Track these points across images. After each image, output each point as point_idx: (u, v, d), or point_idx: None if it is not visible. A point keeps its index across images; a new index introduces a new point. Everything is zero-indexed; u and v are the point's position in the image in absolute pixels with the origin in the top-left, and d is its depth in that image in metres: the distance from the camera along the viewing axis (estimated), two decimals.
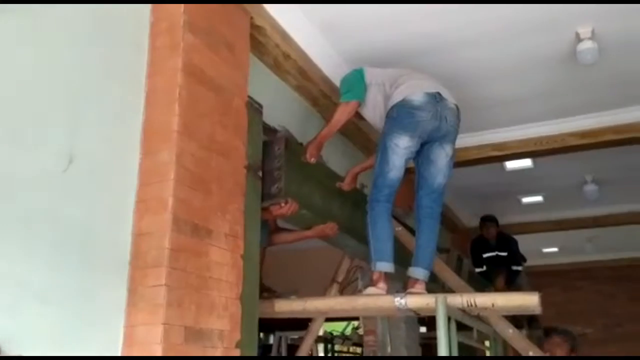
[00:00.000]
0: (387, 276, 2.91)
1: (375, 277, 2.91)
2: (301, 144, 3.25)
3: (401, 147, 2.90)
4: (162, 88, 2.18)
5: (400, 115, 2.92)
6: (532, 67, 3.73)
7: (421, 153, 3.03)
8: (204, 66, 2.31)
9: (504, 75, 3.83)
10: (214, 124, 2.33)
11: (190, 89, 2.22)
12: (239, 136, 2.51)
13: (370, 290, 2.87)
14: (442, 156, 3.00)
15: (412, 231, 3.56)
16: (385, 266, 2.89)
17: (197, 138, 2.22)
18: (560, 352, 3.46)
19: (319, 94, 3.55)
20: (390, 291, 2.93)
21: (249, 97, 2.62)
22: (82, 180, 1.90)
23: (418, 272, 2.91)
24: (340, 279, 3.87)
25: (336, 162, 3.74)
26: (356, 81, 3.13)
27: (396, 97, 2.95)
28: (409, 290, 2.84)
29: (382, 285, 2.88)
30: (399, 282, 3.60)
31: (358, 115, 3.27)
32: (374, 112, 3.13)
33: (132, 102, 2.17)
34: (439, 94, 2.96)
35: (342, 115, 3.09)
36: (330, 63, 3.51)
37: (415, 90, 2.94)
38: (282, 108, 3.33)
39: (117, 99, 2.11)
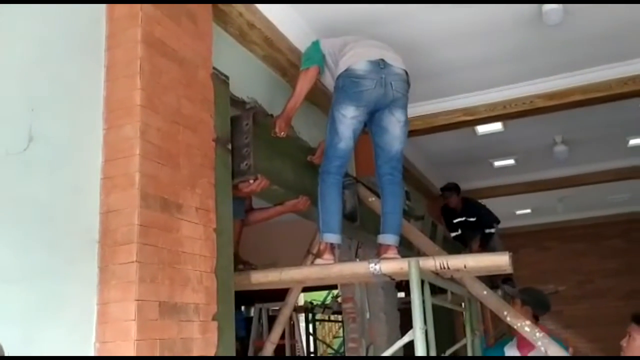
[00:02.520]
0: (333, 247, 2.94)
1: (322, 247, 2.94)
2: (271, 116, 3.22)
3: (348, 117, 2.91)
4: (122, 61, 2.12)
5: (345, 85, 2.92)
6: (498, 29, 3.73)
7: (373, 122, 3.04)
8: (165, 37, 2.26)
9: (470, 38, 3.83)
10: (179, 97, 2.29)
11: (152, 61, 2.16)
12: (206, 109, 2.47)
13: (318, 261, 2.90)
14: (393, 123, 3.00)
15: None
16: (333, 237, 2.92)
17: (161, 111, 2.17)
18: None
19: (287, 63, 3.51)
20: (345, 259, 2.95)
21: (214, 68, 2.57)
22: (44, 158, 1.85)
23: (388, 238, 2.95)
24: (315, 250, 3.90)
25: (308, 133, 3.72)
26: (313, 50, 3.14)
27: (341, 67, 2.96)
28: (382, 256, 2.87)
29: (327, 256, 2.90)
30: (374, 250, 3.64)
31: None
32: (333, 79, 3.12)
33: (92, 76, 2.11)
34: (382, 60, 2.94)
35: (304, 83, 3.08)
36: (297, 31, 3.46)
37: (358, 59, 2.93)
38: (250, 79, 3.28)
39: (76, 74, 2.05)
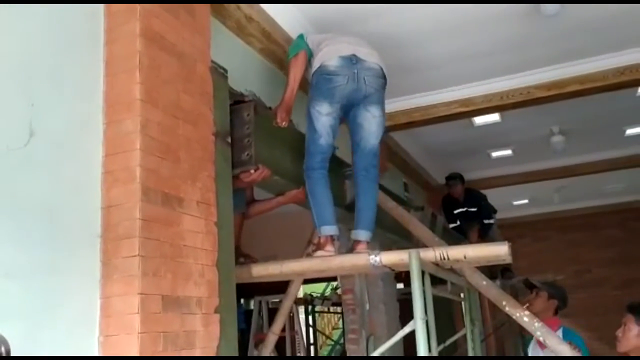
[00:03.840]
0: (332, 239, 2.96)
1: (322, 240, 2.96)
2: (270, 108, 3.22)
3: (323, 114, 2.93)
4: (121, 55, 2.12)
5: (318, 82, 2.95)
6: (495, 20, 3.73)
7: (349, 119, 3.08)
8: (163, 31, 2.25)
9: (467, 29, 3.82)
10: (178, 91, 2.29)
11: (151, 56, 2.16)
12: (205, 102, 2.47)
13: (319, 253, 2.92)
14: (368, 119, 3.03)
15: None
16: (330, 229, 2.94)
17: (161, 106, 2.17)
18: (538, 305, 3.58)
19: (285, 55, 3.49)
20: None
21: (212, 62, 2.57)
22: (44, 153, 1.85)
23: (360, 234, 2.99)
24: (315, 240, 3.92)
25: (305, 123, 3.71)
26: (298, 40, 3.16)
27: (315, 64, 2.98)
28: (354, 252, 2.92)
29: (329, 247, 2.92)
30: (376, 243, 3.66)
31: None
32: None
33: (91, 71, 2.10)
34: (354, 55, 2.95)
35: (295, 69, 3.08)
36: (294, 24, 3.46)
37: (330, 56, 2.95)
38: (248, 72, 3.29)
39: (75, 69, 2.04)
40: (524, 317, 3.06)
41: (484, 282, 3.33)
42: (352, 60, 2.93)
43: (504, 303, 3.19)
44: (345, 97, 2.95)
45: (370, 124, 3.03)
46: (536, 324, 3.02)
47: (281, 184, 3.14)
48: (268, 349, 3.94)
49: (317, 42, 3.11)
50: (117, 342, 1.89)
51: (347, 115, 3.06)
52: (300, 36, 3.18)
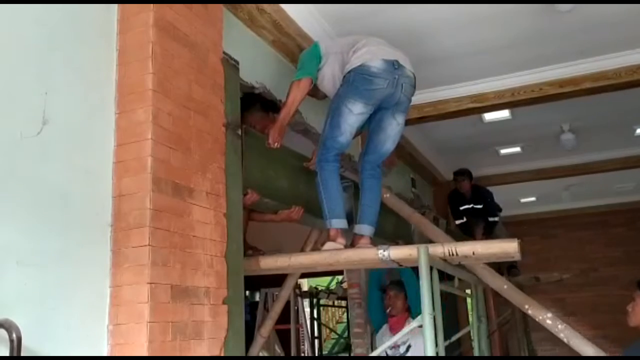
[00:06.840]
0: (342, 231, 2.98)
1: (332, 233, 2.97)
2: (280, 101, 3.22)
3: (355, 113, 2.92)
4: (134, 45, 2.12)
5: (356, 80, 2.91)
6: (509, 15, 3.69)
7: (373, 119, 3.07)
8: (176, 22, 2.25)
9: (480, 23, 3.78)
10: (189, 82, 2.29)
11: (164, 46, 2.16)
12: (216, 93, 2.47)
13: (330, 245, 2.93)
14: (393, 125, 3.06)
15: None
16: (340, 223, 2.96)
17: (173, 96, 2.17)
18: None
19: (296, 48, 3.48)
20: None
21: (224, 53, 2.57)
22: (57, 142, 1.86)
23: (364, 229, 3.03)
24: (308, 249, 3.94)
25: (316, 120, 3.71)
26: (308, 58, 3.12)
27: (354, 62, 2.94)
28: (357, 246, 2.96)
29: (340, 240, 2.94)
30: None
31: (315, 92, 3.23)
32: (333, 82, 3.09)
33: (104, 60, 2.11)
34: (396, 61, 2.95)
35: (296, 94, 3.06)
36: (306, 16, 3.43)
37: (373, 57, 2.93)
38: (259, 64, 3.27)
39: (89, 58, 2.05)
40: (546, 319, 3.07)
41: (505, 286, 3.34)
42: (395, 65, 2.93)
43: (526, 307, 3.21)
44: (380, 100, 2.95)
45: (393, 130, 3.07)
46: (559, 326, 3.02)
47: (272, 205, 3.14)
48: (255, 350, 3.93)
49: (348, 44, 3.07)
50: (126, 331, 1.91)
51: (371, 115, 3.05)
52: (312, 53, 3.11)
